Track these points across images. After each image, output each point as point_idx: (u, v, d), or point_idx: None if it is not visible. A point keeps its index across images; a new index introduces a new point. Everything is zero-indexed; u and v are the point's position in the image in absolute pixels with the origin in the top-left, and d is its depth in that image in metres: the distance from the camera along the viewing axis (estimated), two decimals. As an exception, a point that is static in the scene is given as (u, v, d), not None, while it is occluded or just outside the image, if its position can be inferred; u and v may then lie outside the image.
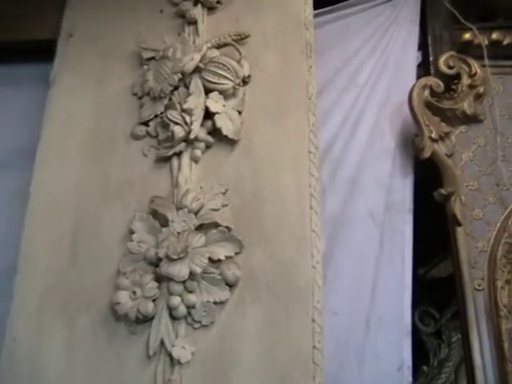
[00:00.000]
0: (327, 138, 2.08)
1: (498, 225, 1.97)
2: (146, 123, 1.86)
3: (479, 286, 1.90)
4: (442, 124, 2.06)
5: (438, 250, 2.49)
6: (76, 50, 2.08)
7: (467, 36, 2.19)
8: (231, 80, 1.81)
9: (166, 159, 1.80)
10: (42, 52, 2.15)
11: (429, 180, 2.11)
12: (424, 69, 2.28)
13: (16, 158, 2.15)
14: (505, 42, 2.18)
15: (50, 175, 1.88)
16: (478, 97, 2.10)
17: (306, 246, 1.68)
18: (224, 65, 1.82)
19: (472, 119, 2.08)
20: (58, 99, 2.00)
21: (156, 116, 1.85)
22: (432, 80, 2.08)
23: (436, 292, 2.53)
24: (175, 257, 1.58)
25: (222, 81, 1.81)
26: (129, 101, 1.94)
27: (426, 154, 1.99)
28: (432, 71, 2.21)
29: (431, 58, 2.24)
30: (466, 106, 2.06)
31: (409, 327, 1.98)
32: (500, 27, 2.34)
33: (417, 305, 2.09)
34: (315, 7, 2.08)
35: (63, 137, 1.93)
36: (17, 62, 2.29)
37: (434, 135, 2.00)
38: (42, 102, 2.01)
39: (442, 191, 1.95)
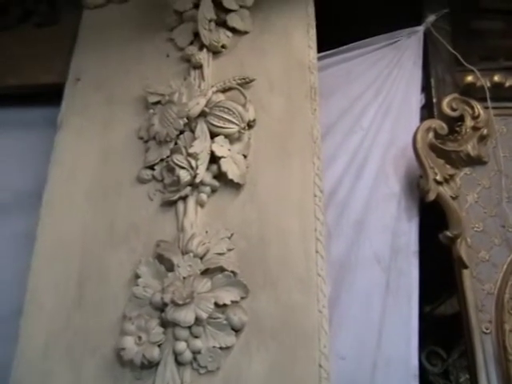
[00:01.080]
0: (332, 181, 2.09)
1: (505, 267, 1.96)
2: (151, 167, 1.88)
3: (487, 329, 1.88)
4: (447, 166, 2.06)
5: (444, 287, 2.48)
6: (83, 94, 2.11)
7: (470, 78, 2.21)
8: (236, 124, 1.83)
9: (172, 203, 1.81)
10: (50, 95, 2.19)
11: (434, 220, 2.10)
12: (428, 111, 2.29)
13: (23, 200, 2.17)
14: (507, 84, 2.21)
15: (57, 218, 1.89)
16: (482, 138, 2.11)
17: (312, 290, 1.67)
18: (229, 109, 1.83)
19: (476, 161, 2.09)
20: (65, 143, 2.02)
21: (162, 160, 1.86)
22: (436, 122, 2.09)
23: (443, 330, 2.50)
24: (181, 302, 1.58)
25: (228, 125, 1.83)
26: (135, 144, 1.95)
27: (431, 196, 1.99)
28: (435, 113, 2.22)
29: (434, 100, 2.26)
30: (470, 148, 2.07)
31: (416, 370, 1.95)
32: (502, 69, 2.37)
33: (423, 344, 2.07)
34: (319, 50, 2.10)
35: (70, 180, 1.94)
36: (25, 105, 2.32)
37: (438, 178, 2.01)
38: (49, 145, 2.03)
39: (448, 234, 1.95)
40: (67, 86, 2.13)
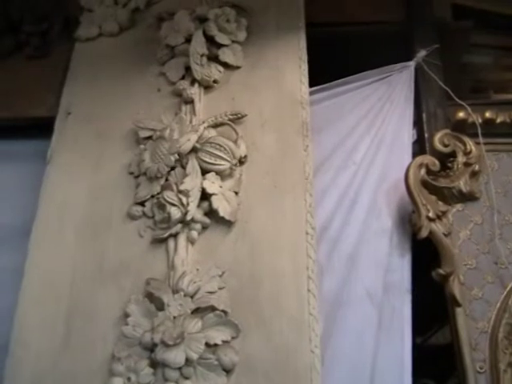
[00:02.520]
0: (324, 216, 2.07)
1: (498, 305, 1.94)
2: (142, 203, 1.86)
3: (481, 368, 1.85)
4: (439, 203, 2.05)
5: (435, 318, 2.47)
6: (73, 128, 2.10)
7: (461, 114, 2.21)
8: (228, 161, 1.82)
9: (162, 240, 1.79)
10: (40, 129, 2.17)
11: (425, 254, 2.09)
12: (419, 146, 2.29)
13: (10, 234, 2.14)
14: (498, 121, 2.21)
15: (45, 255, 1.87)
16: (474, 174, 2.10)
17: (304, 330, 1.65)
18: (221, 145, 1.83)
19: (468, 197, 2.08)
20: (54, 177, 2.01)
21: (152, 196, 1.85)
22: (428, 159, 2.09)
23: (435, 361, 2.48)
24: (171, 343, 1.56)
25: (219, 162, 1.82)
26: (125, 180, 1.94)
27: (424, 233, 1.98)
28: (427, 148, 2.22)
29: (426, 135, 2.25)
30: (462, 184, 2.06)
31: (409, 406, 1.94)
32: (492, 104, 2.39)
33: (415, 376, 2.04)
34: (310, 84, 2.11)
35: (59, 216, 1.92)
36: (14, 137, 2.30)
37: (431, 214, 2.00)
38: (38, 179, 2.02)
39: (441, 271, 1.93)
40: (58, 120, 2.13)
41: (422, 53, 2.37)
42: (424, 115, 2.29)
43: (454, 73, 2.69)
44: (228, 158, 1.82)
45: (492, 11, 2.85)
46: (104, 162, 2.00)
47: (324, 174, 2.15)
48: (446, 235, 1.99)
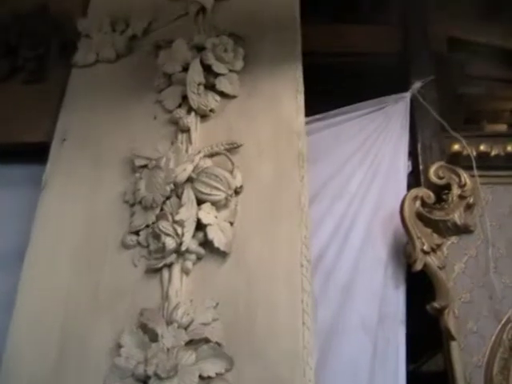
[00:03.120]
0: (319, 246, 2.07)
1: (493, 338, 1.94)
2: (137, 232, 1.85)
3: (476, 403, 1.85)
4: (434, 235, 2.06)
5: (428, 345, 2.46)
6: (69, 154, 2.09)
7: (456, 147, 2.23)
8: (223, 191, 1.82)
9: (157, 270, 1.78)
10: (36, 154, 2.16)
11: (421, 286, 2.09)
12: (414, 177, 2.30)
13: (4, 259, 2.12)
14: (492, 154, 2.23)
15: (39, 282, 1.85)
16: (469, 207, 2.11)
17: (298, 363, 1.63)
18: (216, 176, 1.83)
19: (463, 230, 2.09)
20: (49, 203, 1.99)
21: (147, 226, 1.84)
22: (423, 191, 2.10)
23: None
24: (164, 375, 1.54)
25: (215, 192, 1.81)
26: (120, 208, 1.93)
27: (419, 266, 1.98)
28: (422, 180, 2.23)
29: (421, 167, 2.27)
30: (457, 217, 2.07)
31: None
32: (487, 135, 2.41)
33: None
34: (306, 114, 2.11)
35: (53, 242, 1.91)
36: (10, 162, 2.28)
37: (425, 248, 2.00)
38: (33, 204, 2.00)
39: (436, 305, 1.93)
40: (53, 146, 2.12)
41: (418, 84, 2.40)
42: (419, 146, 2.31)
43: (449, 103, 2.71)
44: (223, 189, 1.82)
45: (486, 44, 2.88)
46: (99, 189, 1.99)
47: (319, 204, 2.16)
48: (440, 268, 2.00)
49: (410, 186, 2.24)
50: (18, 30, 2.40)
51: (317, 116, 2.33)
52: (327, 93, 2.40)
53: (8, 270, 2.00)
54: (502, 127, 3.22)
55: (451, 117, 2.53)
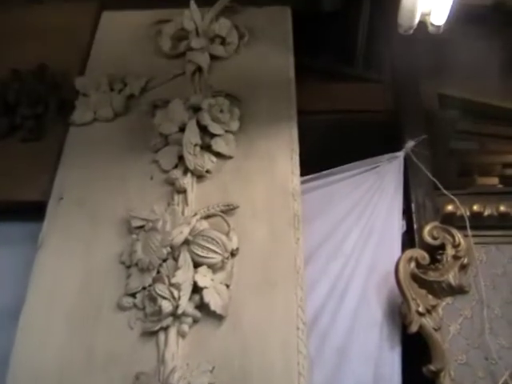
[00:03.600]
0: (314, 307, 2.07)
1: (490, 400, 1.94)
2: (133, 295, 1.85)
3: None
4: (429, 296, 2.06)
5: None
6: (65, 213, 2.09)
7: (450, 208, 2.25)
8: (220, 254, 1.83)
9: (153, 333, 1.77)
10: (33, 212, 2.16)
11: (416, 346, 2.09)
12: (409, 236, 2.32)
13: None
14: (485, 214, 2.26)
15: (33, 342, 1.84)
16: (463, 267, 2.12)
17: (294, 427, 1.63)
18: (213, 239, 1.84)
19: (458, 291, 2.09)
20: (45, 262, 1.99)
21: (144, 288, 1.84)
22: (417, 252, 2.12)
23: None
24: None
25: (211, 255, 1.83)
26: (116, 269, 1.93)
27: (414, 328, 1.98)
28: (416, 240, 2.25)
29: (415, 226, 2.28)
30: (452, 277, 2.08)
31: None
32: (480, 193, 2.43)
33: None
34: (301, 173, 2.13)
35: (48, 302, 1.90)
36: (6, 220, 2.28)
37: (421, 309, 2.00)
38: (30, 262, 2.00)
39: (432, 368, 1.92)
40: (50, 205, 2.12)
41: (411, 143, 2.43)
42: (413, 206, 2.33)
43: (442, 159, 2.75)
44: (220, 252, 1.83)
45: (475, 101, 2.94)
46: (95, 249, 1.99)
47: (314, 265, 2.16)
48: (435, 330, 2.00)
49: (404, 245, 2.26)
50: (17, 88, 2.42)
51: (311, 176, 2.35)
52: (320, 150, 2.42)
53: (3, 328, 1.98)
54: (494, 180, 3.27)
55: (444, 172, 2.57)
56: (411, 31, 2.15)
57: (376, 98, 2.74)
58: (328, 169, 2.40)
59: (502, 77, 3.06)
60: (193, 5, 2.54)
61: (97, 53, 2.57)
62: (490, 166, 3.30)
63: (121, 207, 2.05)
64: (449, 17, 2.12)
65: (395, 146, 2.48)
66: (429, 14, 2.12)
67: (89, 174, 2.18)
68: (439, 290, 2.08)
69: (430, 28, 2.13)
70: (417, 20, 2.12)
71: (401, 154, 2.43)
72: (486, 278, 2.15)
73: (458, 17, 2.26)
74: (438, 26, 2.12)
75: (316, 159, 2.34)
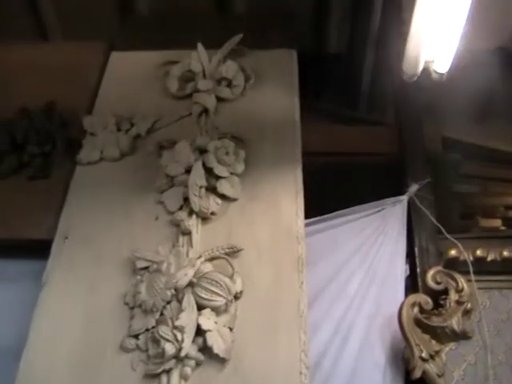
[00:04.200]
0: (317, 351, 2.06)
1: None
2: (136, 336, 1.84)
3: None
4: (432, 342, 2.06)
5: None
6: (70, 252, 2.10)
7: (453, 252, 2.26)
8: (224, 297, 1.83)
9: (155, 375, 1.76)
10: (38, 249, 2.16)
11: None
12: (412, 280, 2.32)
13: (2, 355, 2.10)
14: (489, 259, 2.26)
15: (35, 382, 1.82)
16: (466, 313, 2.12)
17: None
18: (217, 282, 1.84)
19: (461, 336, 2.09)
20: (48, 302, 1.99)
21: (147, 330, 1.83)
22: (421, 297, 2.12)
23: None
24: None
25: (215, 298, 1.82)
26: (120, 310, 1.92)
27: (417, 374, 1.97)
28: (420, 284, 2.25)
29: (418, 270, 2.29)
30: (455, 323, 2.08)
31: None
32: (483, 237, 2.44)
33: None
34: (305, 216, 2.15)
35: (51, 342, 1.89)
36: (10, 257, 2.28)
37: (424, 355, 2.00)
38: (33, 300, 2.00)
39: (435, 417, 1.92)
40: (55, 243, 2.13)
41: (415, 187, 2.45)
42: (416, 250, 2.34)
43: (445, 201, 2.76)
44: (224, 294, 1.83)
45: (479, 144, 2.97)
46: (99, 289, 1.99)
47: (317, 308, 2.16)
48: (439, 376, 1.99)
49: (407, 289, 2.26)
50: (26, 126, 2.45)
51: (315, 219, 2.36)
52: (322, 192, 2.44)
53: (4, 367, 1.98)
54: (497, 222, 3.28)
55: (447, 215, 2.58)
56: (415, 78, 2.19)
57: (379, 141, 2.78)
58: (332, 211, 2.42)
59: (505, 120, 3.10)
60: (200, 47, 2.58)
61: (105, 92, 2.60)
62: (493, 208, 3.31)
63: (126, 247, 2.06)
64: (452, 64, 2.14)
65: (399, 189, 2.50)
66: (432, 62, 2.16)
67: (94, 214, 2.19)
68: (443, 336, 2.08)
69: (434, 75, 2.17)
70: (421, 68, 2.15)
71: (404, 198, 2.45)
72: (489, 323, 2.15)
73: (462, 61, 2.30)
74: (442, 74, 2.15)
75: (319, 201, 2.35)
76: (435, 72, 2.16)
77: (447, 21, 2.04)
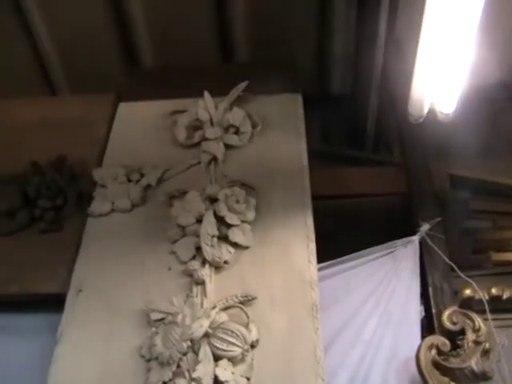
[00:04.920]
0: (335, 398, 2.05)
1: None
2: (153, 389, 1.84)
3: None
4: (452, 384, 2.05)
5: None
6: (84, 305, 2.10)
7: (468, 292, 2.26)
8: (240, 347, 1.82)
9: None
10: (52, 303, 2.17)
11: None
12: (427, 321, 2.30)
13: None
14: (504, 297, 2.26)
15: None
16: (485, 353, 2.10)
17: None
18: (233, 331, 1.84)
19: (481, 377, 2.06)
20: (63, 356, 1.99)
21: (164, 383, 1.82)
22: (438, 339, 2.10)
23: None
24: None
25: (231, 348, 1.82)
26: (136, 363, 1.92)
27: (437, 419, 1.96)
28: (436, 325, 2.23)
29: (434, 311, 2.27)
30: (474, 363, 2.06)
31: None
32: (496, 274, 2.44)
33: None
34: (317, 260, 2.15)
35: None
36: (25, 311, 2.29)
37: (444, 398, 1.99)
38: (48, 354, 2.00)
39: None
40: (69, 297, 2.14)
41: (426, 227, 2.45)
42: (430, 290, 2.33)
43: (456, 238, 2.77)
44: (240, 344, 1.83)
45: (486, 180, 2.99)
46: (114, 342, 1.98)
47: (333, 353, 2.14)
48: (460, 420, 1.97)
49: (423, 329, 2.25)
50: (37, 181, 2.48)
51: (327, 263, 2.36)
52: (333, 236, 2.44)
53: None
54: (509, 255, 3.26)
55: (459, 251, 2.58)
56: (421, 120, 2.21)
57: (388, 181, 2.78)
58: (343, 254, 2.41)
59: (509, 154, 3.11)
60: (206, 95, 2.62)
61: (114, 144, 2.64)
62: (504, 241, 3.30)
63: (139, 299, 2.06)
64: (457, 104, 2.16)
65: (410, 229, 2.50)
66: (437, 103, 2.18)
67: (107, 266, 2.20)
68: (462, 377, 2.05)
69: (439, 116, 2.18)
70: (426, 109, 2.18)
71: (416, 238, 2.45)
72: (509, 362, 2.13)
73: (465, 98, 2.32)
74: (447, 114, 2.17)
75: (330, 245, 2.36)
76: (441, 113, 2.18)
77: (452, 61, 2.06)
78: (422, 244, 2.45)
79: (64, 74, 3.36)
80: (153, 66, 3.40)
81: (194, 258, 2.11)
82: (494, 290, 2.25)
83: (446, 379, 2.04)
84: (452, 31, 1.93)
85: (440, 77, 2.12)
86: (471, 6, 1.83)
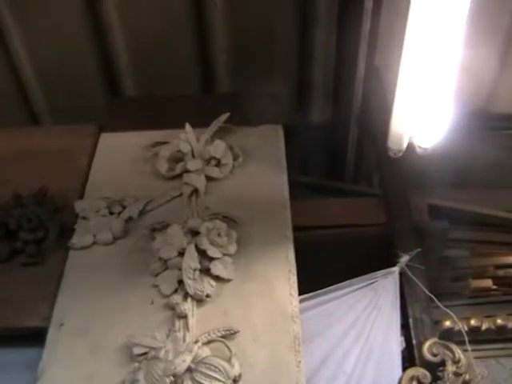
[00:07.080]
0: (318, 432, 2.06)
1: None
2: (137, 427, 1.83)
3: None
4: (436, 417, 2.07)
5: None
6: (66, 341, 2.08)
7: (447, 323, 2.28)
8: (223, 382, 1.83)
9: None
10: (33, 338, 2.15)
11: None
12: (408, 353, 2.32)
13: None
14: (483, 328, 2.28)
15: None
16: (465, 384, 2.13)
17: None
18: (215, 366, 1.84)
19: (465, 402, 2.10)
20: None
21: (148, 417, 1.82)
22: (419, 371, 2.12)
23: None
24: None
25: (214, 383, 1.83)
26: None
27: None
28: (416, 356, 2.25)
29: (414, 342, 2.29)
30: (455, 388, 2.09)
31: None
32: (476, 304, 2.48)
33: None
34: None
35: None
36: (4, 347, 2.26)
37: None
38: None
39: None
40: (50, 332, 2.11)
41: (405, 258, 2.47)
42: (411, 321, 2.34)
43: (435, 268, 2.80)
44: (223, 379, 1.83)
45: (465, 210, 3.04)
46: (97, 379, 1.97)
47: (315, 387, 2.16)
48: None
49: (404, 361, 2.26)
50: (18, 213, 2.47)
51: (306, 295, 2.36)
52: (313, 267, 2.45)
53: None
54: (488, 282, 3.31)
55: (438, 280, 2.61)
56: (400, 154, 2.24)
57: (367, 212, 2.81)
58: (324, 285, 2.43)
59: (489, 184, 3.17)
60: (188, 127, 2.64)
61: (95, 175, 2.64)
62: (483, 268, 3.36)
63: (122, 334, 2.05)
64: (436, 139, 2.21)
65: (390, 260, 2.53)
66: (416, 137, 2.22)
67: (89, 300, 2.19)
68: (446, 412, 2.09)
69: (418, 150, 2.23)
70: (405, 144, 2.21)
71: (396, 269, 2.47)
72: (491, 397, 2.16)
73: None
74: (426, 148, 2.21)
75: (311, 276, 2.37)
76: (419, 147, 2.22)
77: (431, 95, 2.10)
78: (402, 275, 2.47)
79: (46, 105, 3.37)
80: (135, 97, 3.42)
81: (176, 291, 2.12)
82: (472, 322, 2.29)
83: (430, 409, 2.07)
84: (432, 59, 1.96)
85: (419, 111, 2.16)
86: (451, 36, 1.86)
